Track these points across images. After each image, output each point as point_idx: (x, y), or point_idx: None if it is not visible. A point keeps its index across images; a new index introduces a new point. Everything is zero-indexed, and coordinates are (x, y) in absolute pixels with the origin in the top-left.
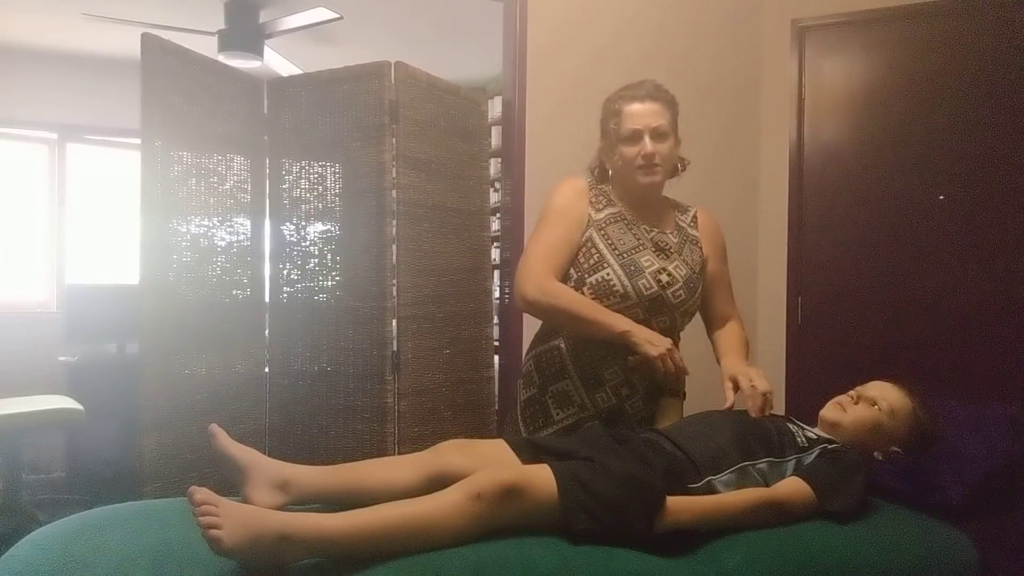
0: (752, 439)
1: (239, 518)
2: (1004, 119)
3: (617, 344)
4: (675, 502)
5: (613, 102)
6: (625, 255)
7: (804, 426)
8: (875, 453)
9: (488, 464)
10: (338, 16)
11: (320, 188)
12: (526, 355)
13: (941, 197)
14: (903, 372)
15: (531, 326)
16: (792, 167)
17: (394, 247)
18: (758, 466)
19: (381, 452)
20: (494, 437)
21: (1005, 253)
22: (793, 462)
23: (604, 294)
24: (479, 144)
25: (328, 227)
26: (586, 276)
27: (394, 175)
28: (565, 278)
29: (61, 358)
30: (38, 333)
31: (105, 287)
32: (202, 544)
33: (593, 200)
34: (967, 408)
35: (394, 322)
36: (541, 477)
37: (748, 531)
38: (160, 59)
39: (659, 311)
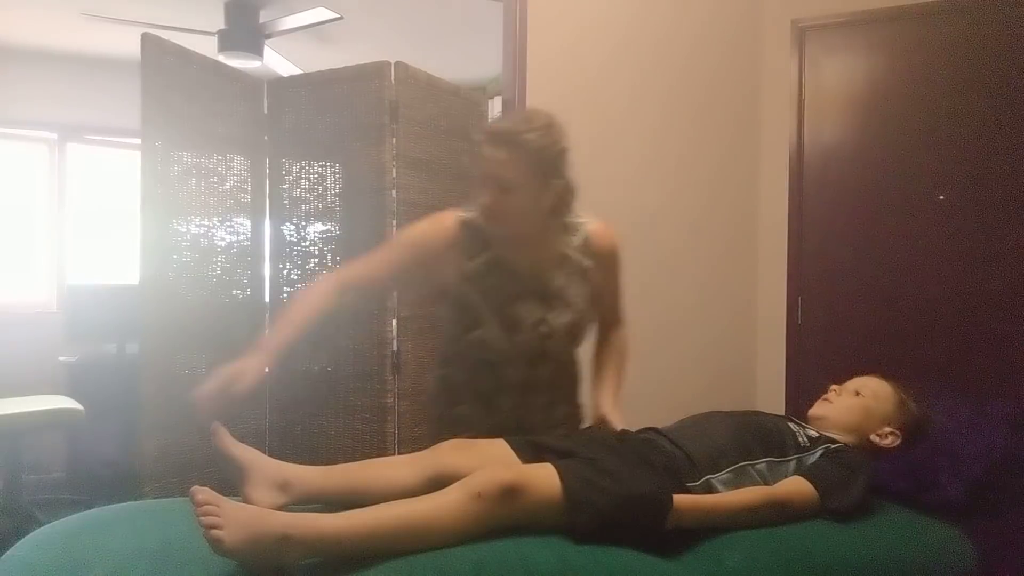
0: (752, 439)
1: (240, 518)
2: (1004, 119)
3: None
4: (678, 501)
5: (479, 133)
6: (502, 307)
7: (805, 425)
8: (872, 437)
9: (488, 463)
10: (338, 16)
11: (320, 188)
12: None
13: (941, 197)
14: (903, 372)
15: None
16: (792, 167)
17: None
18: (757, 466)
19: (381, 452)
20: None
21: (1005, 253)
22: (794, 462)
23: (482, 353)
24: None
25: (328, 227)
26: (464, 334)
27: (394, 175)
28: (444, 341)
29: (61, 358)
30: (38, 333)
31: (105, 287)
32: (202, 544)
33: (466, 244)
34: (966, 407)
35: (394, 322)
36: (542, 476)
37: (749, 530)
38: (160, 59)
39: (543, 362)
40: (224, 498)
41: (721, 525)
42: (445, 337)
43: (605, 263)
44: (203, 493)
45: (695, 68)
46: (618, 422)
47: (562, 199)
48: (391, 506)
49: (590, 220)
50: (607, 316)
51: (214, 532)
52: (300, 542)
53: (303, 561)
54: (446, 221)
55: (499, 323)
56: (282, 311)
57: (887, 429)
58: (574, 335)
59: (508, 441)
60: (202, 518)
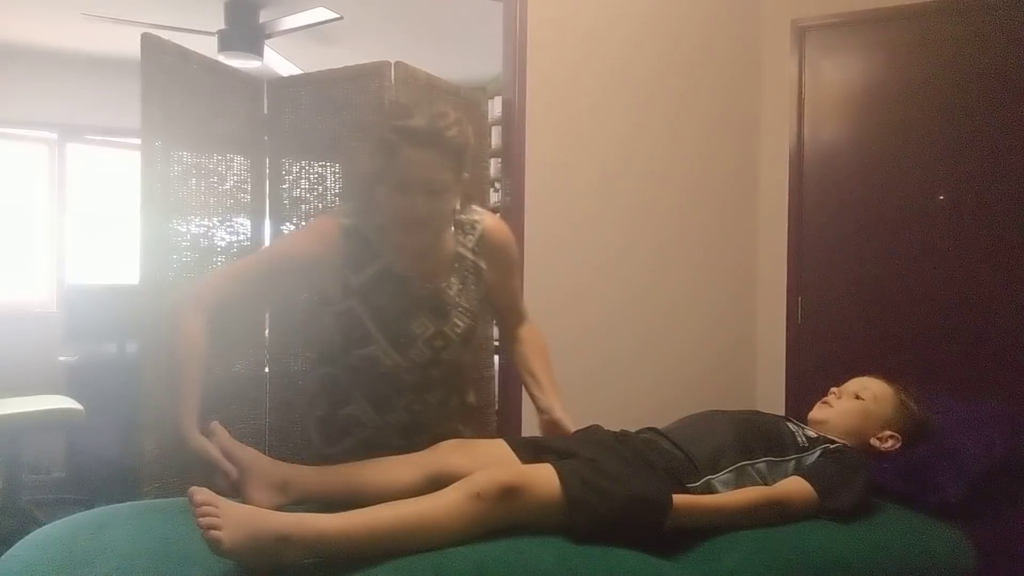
0: (751, 438)
1: (239, 518)
2: (1004, 119)
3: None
4: (678, 501)
5: (386, 131)
6: (394, 324)
7: (803, 426)
8: (872, 440)
9: (488, 464)
10: (338, 16)
11: (320, 188)
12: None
13: (941, 197)
14: (903, 372)
15: None
16: (792, 167)
17: None
18: (757, 466)
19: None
20: (494, 437)
21: (1005, 252)
22: (793, 462)
23: (372, 367)
24: (479, 144)
25: None
26: (352, 349)
27: None
28: (328, 347)
29: (61, 358)
30: (38, 333)
31: (105, 287)
32: (202, 544)
33: (351, 256)
34: (966, 407)
35: None
36: (542, 476)
37: (748, 530)
38: (160, 59)
39: (437, 367)
40: (223, 498)
41: (721, 525)
42: (326, 345)
43: (501, 261)
44: (201, 494)
45: (695, 68)
46: (569, 425)
47: (468, 197)
48: (390, 506)
49: (484, 215)
50: (508, 315)
51: (213, 533)
52: (299, 542)
53: (302, 561)
54: (325, 229)
55: (390, 341)
56: (167, 371)
57: (887, 433)
58: (468, 339)
59: (508, 441)
60: (200, 519)
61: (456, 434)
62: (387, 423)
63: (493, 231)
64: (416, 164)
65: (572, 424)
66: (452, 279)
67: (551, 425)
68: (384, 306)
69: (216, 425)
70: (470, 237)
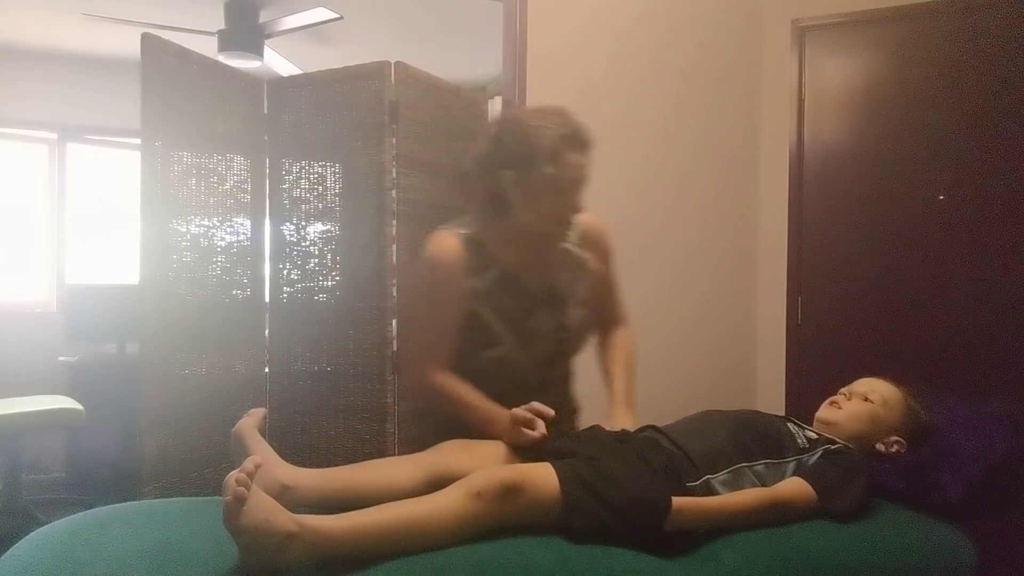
0: (751, 439)
1: (262, 504)
2: (1004, 119)
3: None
4: (677, 503)
5: (549, 139)
6: (517, 322)
7: (804, 426)
8: (877, 445)
9: (488, 464)
10: (338, 16)
11: (320, 188)
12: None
13: (941, 197)
14: (903, 372)
15: None
16: (792, 167)
17: (394, 247)
18: (755, 468)
19: (381, 452)
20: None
21: (1005, 253)
22: (794, 463)
23: (499, 368)
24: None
25: (328, 227)
26: (480, 351)
27: (394, 175)
28: (455, 353)
29: (61, 358)
30: (38, 333)
31: (105, 287)
32: (202, 544)
33: (472, 265)
34: (966, 407)
35: (394, 322)
36: (541, 475)
37: (748, 531)
38: (160, 59)
39: (559, 362)
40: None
41: (721, 526)
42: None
43: (598, 253)
44: (252, 465)
45: (695, 68)
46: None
47: None
48: (390, 506)
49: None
50: (606, 313)
51: (237, 502)
52: (303, 542)
53: (302, 562)
54: (451, 243)
55: (516, 339)
56: (465, 414)
57: (893, 438)
58: (586, 330)
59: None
60: (236, 487)
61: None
62: None
63: (592, 224)
64: (575, 166)
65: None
66: (562, 273)
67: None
68: (505, 306)
69: (257, 411)
70: (572, 234)
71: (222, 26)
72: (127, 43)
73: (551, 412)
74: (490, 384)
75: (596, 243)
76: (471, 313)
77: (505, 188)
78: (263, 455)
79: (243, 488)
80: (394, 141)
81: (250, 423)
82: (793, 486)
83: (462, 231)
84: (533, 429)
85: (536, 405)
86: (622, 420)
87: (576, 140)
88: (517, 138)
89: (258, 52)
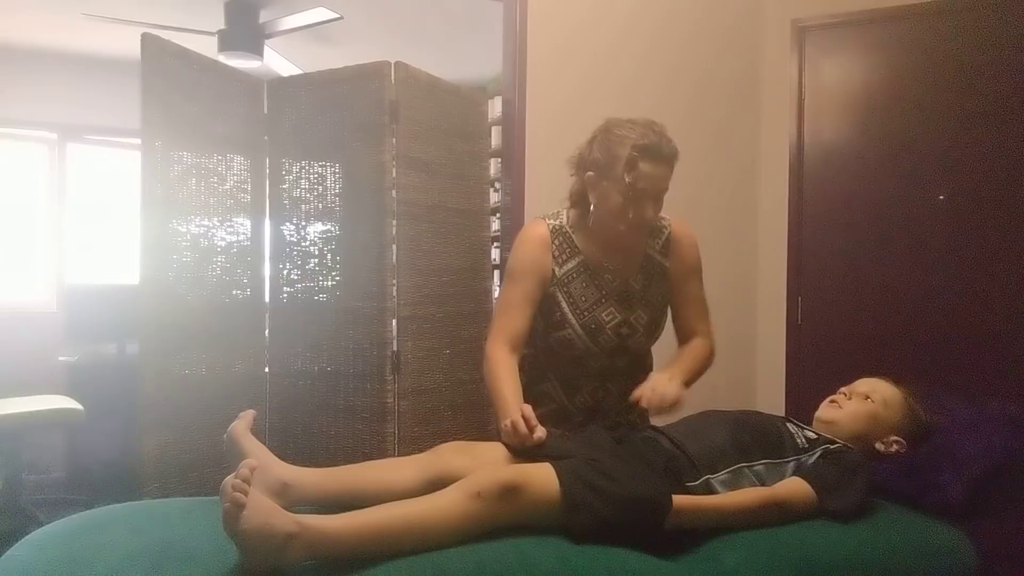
0: (750, 440)
1: (261, 507)
2: (1004, 119)
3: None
4: (677, 502)
5: (628, 148)
6: (587, 312)
7: (803, 426)
8: (877, 445)
9: (488, 465)
10: (338, 16)
11: (320, 188)
12: None
13: (941, 197)
14: (903, 372)
15: None
16: (792, 167)
17: (394, 247)
18: (755, 468)
19: (381, 452)
20: (494, 438)
21: (1004, 253)
22: (793, 463)
23: (566, 349)
24: (479, 144)
25: (328, 227)
26: (551, 331)
27: (394, 175)
28: (531, 331)
29: (61, 358)
30: (38, 333)
31: (105, 287)
32: (202, 544)
33: (556, 253)
34: (966, 407)
35: (394, 322)
36: (541, 475)
37: (748, 531)
38: (160, 59)
39: (622, 354)
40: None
41: (721, 526)
42: (534, 328)
43: (683, 263)
44: (247, 469)
45: (695, 68)
46: (669, 392)
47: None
48: (390, 507)
49: (672, 220)
50: (691, 323)
51: (235, 509)
52: (304, 542)
53: (303, 562)
54: (540, 231)
55: (583, 326)
56: (491, 390)
57: (893, 438)
58: (652, 332)
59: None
60: (233, 492)
61: (630, 426)
62: (573, 404)
63: (680, 234)
64: (651, 177)
65: (674, 394)
66: (639, 275)
67: (651, 386)
68: (579, 294)
69: (247, 413)
70: (658, 240)
71: (222, 26)
72: (127, 43)
73: (543, 433)
74: (558, 363)
75: (680, 252)
76: (549, 294)
77: (587, 187)
78: (259, 456)
79: (240, 493)
80: (394, 141)
81: (242, 426)
82: (793, 486)
83: (553, 221)
84: (531, 432)
85: (527, 412)
86: (667, 376)
87: (654, 152)
88: (603, 143)
89: (258, 52)
